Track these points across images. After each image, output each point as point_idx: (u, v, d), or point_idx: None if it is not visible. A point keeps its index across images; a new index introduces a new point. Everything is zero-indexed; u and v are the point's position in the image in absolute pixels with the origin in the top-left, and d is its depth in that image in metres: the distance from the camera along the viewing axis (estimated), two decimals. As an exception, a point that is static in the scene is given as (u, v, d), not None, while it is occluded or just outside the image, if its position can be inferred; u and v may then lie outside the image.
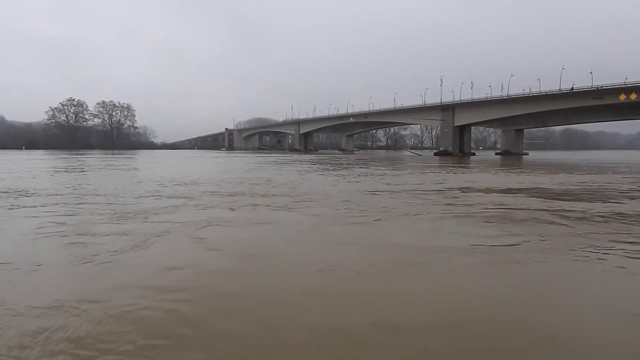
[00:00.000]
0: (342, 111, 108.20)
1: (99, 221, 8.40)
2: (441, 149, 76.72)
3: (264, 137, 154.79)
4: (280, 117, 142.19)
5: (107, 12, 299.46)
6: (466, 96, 73.57)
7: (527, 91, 65.69)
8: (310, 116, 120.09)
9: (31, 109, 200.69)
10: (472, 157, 63.93)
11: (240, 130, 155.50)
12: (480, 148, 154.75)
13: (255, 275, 5.03)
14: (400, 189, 14.95)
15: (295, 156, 65.37)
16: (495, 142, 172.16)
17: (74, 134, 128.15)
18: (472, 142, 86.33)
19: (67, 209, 10.02)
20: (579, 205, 10.86)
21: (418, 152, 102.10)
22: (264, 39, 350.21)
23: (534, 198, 12.41)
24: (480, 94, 74.63)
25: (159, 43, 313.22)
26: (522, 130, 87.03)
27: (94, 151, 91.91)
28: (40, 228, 7.63)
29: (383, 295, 4.42)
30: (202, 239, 6.89)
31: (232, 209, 10.06)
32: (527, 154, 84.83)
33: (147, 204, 10.69)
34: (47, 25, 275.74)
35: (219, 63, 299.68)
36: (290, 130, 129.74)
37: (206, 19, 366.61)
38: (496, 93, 70.62)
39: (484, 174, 23.60)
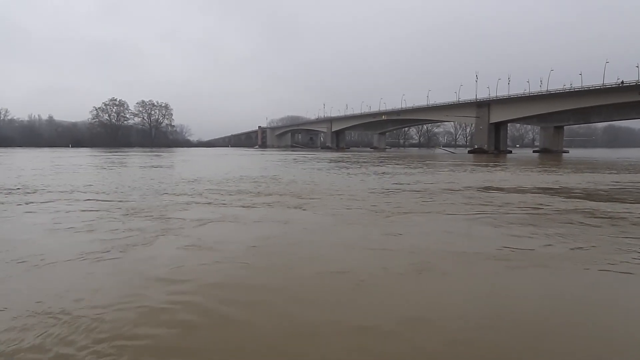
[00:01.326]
0: (374, 109, 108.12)
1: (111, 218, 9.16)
2: (476, 146, 75.24)
3: (296, 135, 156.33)
4: (312, 115, 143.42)
5: (149, 15, 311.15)
6: (502, 92, 71.64)
7: (567, 86, 63.50)
8: (342, 114, 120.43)
9: (77, 109, 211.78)
10: (508, 155, 62.39)
11: (273, 128, 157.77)
12: (517, 146, 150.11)
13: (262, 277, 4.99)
14: (435, 188, 15.10)
15: (327, 154, 65.82)
16: (533, 140, 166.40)
17: (115, 132, 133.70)
18: (508, 140, 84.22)
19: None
20: (619, 207, 10.41)
21: (451, 149, 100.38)
22: (297, 37, 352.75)
23: (573, 199, 11.90)
24: (517, 89, 72.91)
25: (197, 43, 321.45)
26: (561, 127, 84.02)
27: (134, 149, 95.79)
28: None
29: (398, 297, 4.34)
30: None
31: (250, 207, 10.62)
32: (567, 152, 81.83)
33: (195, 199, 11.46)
34: (93, 29, 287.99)
35: (254, 62, 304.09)
36: (322, 128, 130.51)
37: (242, 18, 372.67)
38: (535, 88, 68.64)
39: (519, 173, 22.90)
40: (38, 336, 3.35)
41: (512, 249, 6.21)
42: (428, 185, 15.76)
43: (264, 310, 3.94)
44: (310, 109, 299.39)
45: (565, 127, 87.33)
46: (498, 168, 28.35)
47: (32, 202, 10.78)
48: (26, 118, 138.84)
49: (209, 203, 10.78)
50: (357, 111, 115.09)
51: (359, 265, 5.41)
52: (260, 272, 5.15)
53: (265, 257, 5.76)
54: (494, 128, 72.82)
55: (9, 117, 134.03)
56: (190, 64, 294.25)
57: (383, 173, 22.66)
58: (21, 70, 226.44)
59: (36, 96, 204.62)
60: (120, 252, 5.94)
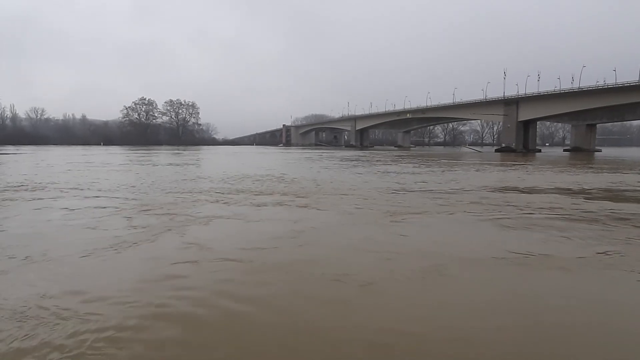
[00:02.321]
0: (399, 107, 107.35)
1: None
2: (503, 145, 73.79)
3: (320, 134, 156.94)
4: (336, 114, 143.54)
5: (180, 16, 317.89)
6: (531, 89, 70.27)
7: (601, 83, 61.48)
8: (367, 112, 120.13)
9: (108, 108, 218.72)
10: (537, 154, 60.95)
11: (297, 127, 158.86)
12: (547, 144, 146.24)
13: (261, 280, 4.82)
14: (460, 188, 15.10)
15: (351, 152, 65.86)
16: (564, 138, 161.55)
17: (144, 131, 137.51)
18: (537, 138, 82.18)
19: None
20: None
21: (478, 148, 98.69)
22: (323, 36, 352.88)
23: (605, 201, 11.34)
24: (547, 86, 70.88)
25: (225, 43, 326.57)
26: (594, 125, 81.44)
27: (162, 147, 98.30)
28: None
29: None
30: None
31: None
32: (599, 151, 79.26)
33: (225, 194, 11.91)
34: (125, 30, 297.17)
35: (280, 61, 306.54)
36: (346, 127, 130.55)
37: (270, 18, 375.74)
38: (566, 85, 66.73)
39: (548, 173, 22.22)
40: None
41: (531, 254, 5.84)
42: (449, 184, 15.74)
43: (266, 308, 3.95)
44: (334, 107, 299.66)
45: (598, 125, 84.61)
46: (525, 167, 27.90)
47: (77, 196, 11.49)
48: (61, 117, 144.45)
49: (217, 201, 10.76)
50: (381, 110, 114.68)
51: (366, 267, 5.29)
52: (262, 270, 5.08)
53: (267, 256, 5.66)
54: (522, 126, 71.23)
55: (45, 117, 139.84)
56: (218, 64, 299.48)
57: (412, 173, 22.67)
58: (58, 71, 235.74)
59: (71, 96, 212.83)
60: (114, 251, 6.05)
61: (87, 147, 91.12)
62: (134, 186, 14.18)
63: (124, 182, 15.47)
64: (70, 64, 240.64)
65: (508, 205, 10.32)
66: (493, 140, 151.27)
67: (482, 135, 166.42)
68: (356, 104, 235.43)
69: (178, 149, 78.43)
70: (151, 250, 6.06)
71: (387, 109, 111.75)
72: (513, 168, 26.65)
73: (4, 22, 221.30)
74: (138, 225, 7.66)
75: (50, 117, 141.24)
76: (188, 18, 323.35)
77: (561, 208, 9.91)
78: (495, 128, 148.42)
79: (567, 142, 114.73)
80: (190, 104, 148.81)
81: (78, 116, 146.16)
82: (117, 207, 9.65)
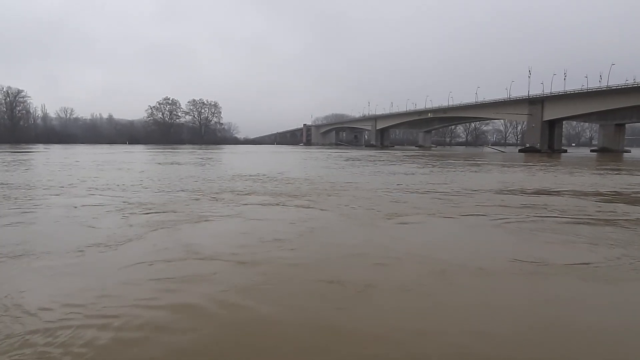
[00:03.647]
0: (420, 106, 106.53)
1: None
2: (527, 145, 72.43)
3: (340, 133, 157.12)
4: (357, 113, 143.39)
5: (204, 16, 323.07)
6: (557, 88, 68.48)
7: (630, 81, 59.66)
8: (387, 112, 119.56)
9: (134, 107, 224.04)
10: (562, 155, 59.64)
11: (317, 126, 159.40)
12: (573, 144, 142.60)
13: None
14: (479, 189, 15.09)
15: (371, 152, 65.80)
16: (591, 138, 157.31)
17: (168, 130, 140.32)
18: (563, 138, 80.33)
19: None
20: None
21: (501, 148, 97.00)
22: (344, 35, 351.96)
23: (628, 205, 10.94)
24: (574, 85, 69.10)
25: (247, 43, 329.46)
26: (623, 124, 79.01)
27: (185, 146, 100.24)
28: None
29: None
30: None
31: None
32: (628, 152, 76.95)
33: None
34: (152, 31, 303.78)
35: (302, 61, 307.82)
36: (367, 126, 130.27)
37: (292, 18, 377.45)
38: (593, 84, 64.99)
39: (572, 175, 21.53)
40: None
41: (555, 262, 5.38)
42: (470, 184, 15.74)
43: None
44: (355, 107, 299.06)
45: (627, 124, 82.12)
46: (550, 168, 27.49)
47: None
48: (89, 117, 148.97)
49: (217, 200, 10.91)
50: (402, 109, 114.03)
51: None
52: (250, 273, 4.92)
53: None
54: (547, 126, 69.75)
55: (74, 116, 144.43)
56: (240, 63, 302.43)
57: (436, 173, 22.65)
58: (86, 71, 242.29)
59: (98, 96, 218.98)
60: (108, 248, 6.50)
61: (113, 145, 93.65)
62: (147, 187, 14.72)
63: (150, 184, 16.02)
64: (97, 64, 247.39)
65: (528, 207, 10.07)
66: (517, 140, 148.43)
67: (506, 135, 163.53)
68: (377, 103, 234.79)
69: (200, 148, 79.83)
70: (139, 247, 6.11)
71: (408, 109, 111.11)
72: (546, 169, 26.01)
73: (36, 25, 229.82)
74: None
75: (79, 116, 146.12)
76: (212, 19, 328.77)
77: (584, 211, 9.49)
78: (519, 128, 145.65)
79: (594, 142, 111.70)
80: (213, 103, 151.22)
81: (105, 116, 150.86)
82: (119, 207, 10.12)
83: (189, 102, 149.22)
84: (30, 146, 76.98)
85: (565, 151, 72.80)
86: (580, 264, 5.36)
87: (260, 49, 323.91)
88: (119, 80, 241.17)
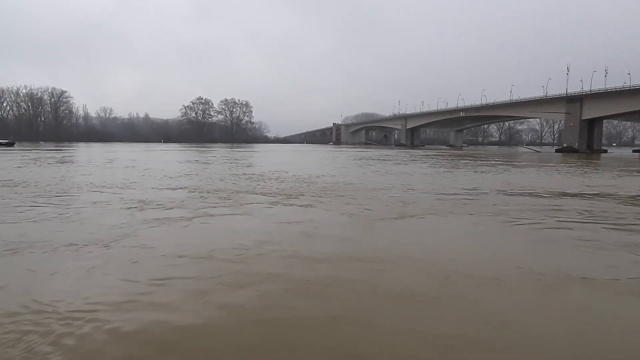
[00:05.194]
0: (452, 105, 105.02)
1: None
2: (564, 145, 70.17)
3: (370, 132, 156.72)
4: (386, 112, 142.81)
5: (237, 16, 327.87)
6: (597, 85, 65.91)
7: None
8: (418, 111, 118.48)
9: (168, 106, 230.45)
10: (602, 155, 57.54)
11: (347, 125, 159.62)
12: (614, 144, 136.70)
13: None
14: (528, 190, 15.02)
15: (402, 152, 65.50)
16: (633, 138, 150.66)
17: (201, 129, 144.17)
18: (602, 138, 77.33)
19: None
20: None
21: (536, 148, 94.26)
22: (374, 32, 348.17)
23: None
24: (615, 82, 66.01)
25: (279, 42, 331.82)
26: (669, 123, 75.35)
27: (217, 144, 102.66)
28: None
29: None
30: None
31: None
32: (674, 152, 73.25)
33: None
34: (186, 32, 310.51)
35: (332, 59, 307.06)
36: (397, 125, 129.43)
37: (323, 16, 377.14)
38: (637, 81, 62.34)
39: (616, 177, 20.37)
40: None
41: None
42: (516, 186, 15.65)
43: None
44: (385, 106, 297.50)
45: (673, 123, 78.21)
46: (591, 169, 26.79)
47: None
48: (126, 116, 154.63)
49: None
50: (433, 108, 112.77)
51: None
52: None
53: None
54: (586, 125, 67.36)
55: (113, 115, 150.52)
56: (271, 63, 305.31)
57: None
58: (124, 72, 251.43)
59: (135, 95, 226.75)
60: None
61: (149, 144, 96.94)
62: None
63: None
64: (135, 65, 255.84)
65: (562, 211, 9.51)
66: (553, 140, 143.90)
67: (542, 134, 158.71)
68: (407, 102, 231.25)
69: (233, 146, 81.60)
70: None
71: (439, 108, 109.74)
72: (587, 171, 25.00)
73: (79, 28, 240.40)
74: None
75: (117, 115, 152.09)
76: (244, 18, 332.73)
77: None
78: (556, 127, 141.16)
79: (637, 141, 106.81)
80: (244, 102, 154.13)
81: (141, 115, 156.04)
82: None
83: (221, 101, 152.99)
84: (77, 144, 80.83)
85: (605, 151, 70.09)
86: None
87: (291, 47, 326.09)
88: (154, 81, 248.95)
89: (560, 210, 9.39)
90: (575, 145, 66.52)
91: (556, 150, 71.76)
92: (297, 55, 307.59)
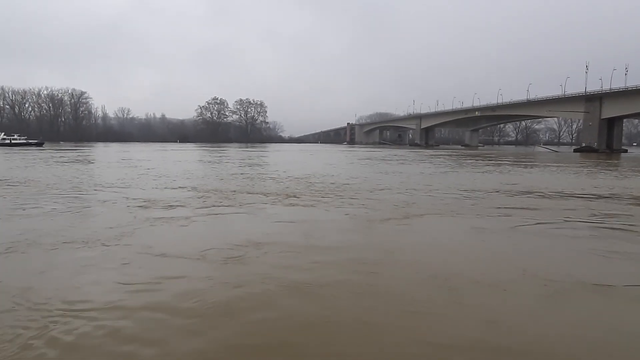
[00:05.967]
0: (467, 104, 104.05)
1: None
2: (583, 144, 68.97)
3: (384, 132, 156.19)
4: (401, 112, 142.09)
5: (252, 17, 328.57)
6: (618, 84, 64.42)
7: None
8: (432, 110, 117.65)
9: (184, 107, 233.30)
10: (622, 155, 56.45)
11: (361, 125, 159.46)
12: (634, 144, 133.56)
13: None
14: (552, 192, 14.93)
15: (414, 152, 65.15)
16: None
17: (216, 129, 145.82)
18: (623, 137, 75.73)
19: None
20: None
21: (553, 148, 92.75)
22: (388, 31, 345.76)
23: None
24: (635, 81, 64.93)
25: (293, 42, 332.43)
26: (692, 123, 73.39)
27: (232, 144, 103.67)
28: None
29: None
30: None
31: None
32: (698, 151, 71.38)
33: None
34: (202, 32, 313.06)
35: (346, 59, 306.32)
36: (411, 125, 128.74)
37: (336, 15, 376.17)
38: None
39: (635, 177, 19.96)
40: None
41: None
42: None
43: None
44: (399, 105, 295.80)
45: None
46: (611, 171, 26.32)
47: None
48: (143, 116, 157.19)
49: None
50: (448, 107, 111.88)
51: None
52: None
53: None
54: (606, 124, 66.06)
55: (130, 116, 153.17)
56: (286, 63, 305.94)
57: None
58: (141, 73, 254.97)
59: (152, 96, 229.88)
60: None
61: (165, 144, 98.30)
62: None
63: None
64: (152, 66, 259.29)
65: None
66: (572, 140, 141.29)
67: (559, 133, 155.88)
68: (421, 102, 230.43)
69: (247, 146, 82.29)
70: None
71: (454, 107, 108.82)
72: (608, 172, 24.70)
73: (98, 30, 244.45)
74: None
75: (135, 116, 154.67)
76: (258, 19, 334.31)
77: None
78: (574, 126, 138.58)
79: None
80: (259, 102, 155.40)
81: (158, 115, 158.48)
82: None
83: (236, 101, 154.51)
84: (95, 144, 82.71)
85: (626, 151, 68.67)
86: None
87: (305, 47, 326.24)
88: (170, 81, 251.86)
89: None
90: (595, 145, 65.31)
91: (575, 150, 70.58)
92: (311, 55, 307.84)
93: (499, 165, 26.90)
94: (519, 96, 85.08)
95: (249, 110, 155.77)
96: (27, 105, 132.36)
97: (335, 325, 3.49)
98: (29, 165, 22.16)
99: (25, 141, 73.01)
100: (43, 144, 74.60)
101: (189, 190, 12.11)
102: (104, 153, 41.28)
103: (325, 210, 9.15)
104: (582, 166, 27.34)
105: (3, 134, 74.11)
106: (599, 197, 12.02)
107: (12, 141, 70.61)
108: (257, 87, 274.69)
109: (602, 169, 24.33)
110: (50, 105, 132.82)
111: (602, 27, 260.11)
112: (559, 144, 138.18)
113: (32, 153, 39.59)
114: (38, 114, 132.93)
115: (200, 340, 3.21)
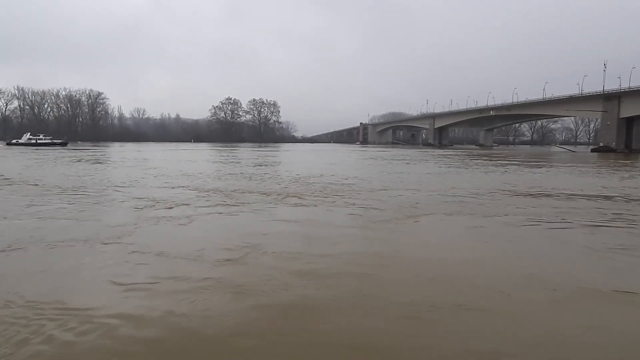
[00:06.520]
0: (482, 103, 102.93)
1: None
2: (601, 144, 67.74)
3: (397, 132, 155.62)
4: (414, 112, 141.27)
5: (265, 17, 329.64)
6: (637, 82, 63.12)
7: None
8: (446, 110, 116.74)
9: (198, 107, 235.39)
10: (641, 154, 55.29)
11: (374, 125, 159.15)
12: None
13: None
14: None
15: (428, 151, 64.76)
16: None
17: (229, 128, 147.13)
18: (643, 137, 74.16)
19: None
20: None
21: (570, 147, 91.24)
22: (402, 29, 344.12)
23: None
24: (656, 79, 63.33)
25: (306, 42, 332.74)
26: None
27: (245, 144, 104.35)
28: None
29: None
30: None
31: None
32: None
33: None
34: (216, 33, 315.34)
35: (359, 58, 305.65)
36: (425, 125, 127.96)
37: (348, 14, 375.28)
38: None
39: None
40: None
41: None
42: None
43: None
44: (412, 105, 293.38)
45: None
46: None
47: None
48: (158, 116, 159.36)
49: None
50: (462, 107, 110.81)
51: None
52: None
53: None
54: (624, 124, 64.80)
55: (146, 116, 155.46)
56: (299, 63, 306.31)
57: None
58: (156, 73, 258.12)
59: (167, 96, 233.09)
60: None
61: (179, 144, 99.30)
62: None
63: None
64: (167, 67, 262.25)
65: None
66: (589, 139, 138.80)
67: (576, 133, 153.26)
68: (435, 101, 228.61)
69: (261, 146, 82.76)
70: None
71: (468, 106, 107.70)
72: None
73: (115, 31, 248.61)
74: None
75: (150, 116, 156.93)
76: (272, 19, 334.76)
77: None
78: (592, 126, 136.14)
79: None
80: (272, 102, 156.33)
81: (173, 115, 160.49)
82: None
83: (249, 101, 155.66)
84: (112, 144, 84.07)
85: (645, 151, 67.28)
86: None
87: (318, 47, 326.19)
88: (185, 81, 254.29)
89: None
90: (613, 145, 64.12)
91: (592, 150, 69.37)
92: (324, 54, 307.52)
93: (505, 165, 26.62)
94: (535, 95, 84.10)
95: (262, 110, 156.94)
96: (46, 105, 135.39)
97: (334, 330, 3.49)
98: (84, 167, 22.78)
99: (50, 141, 75.32)
100: (67, 143, 76.92)
101: (208, 191, 12.30)
102: (121, 152, 42.10)
103: (327, 210, 9.25)
104: (601, 166, 26.94)
105: (29, 134, 76.82)
106: (619, 198, 11.81)
107: (38, 141, 72.84)
108: (270, 87, 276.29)
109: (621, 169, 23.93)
110: (69, 105, 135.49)
111: (621, 24, 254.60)
112: (575, 143, 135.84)
113: (63, 152, 40.65)
114: (57, 114, 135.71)
115: (198, 340, 3.25)
